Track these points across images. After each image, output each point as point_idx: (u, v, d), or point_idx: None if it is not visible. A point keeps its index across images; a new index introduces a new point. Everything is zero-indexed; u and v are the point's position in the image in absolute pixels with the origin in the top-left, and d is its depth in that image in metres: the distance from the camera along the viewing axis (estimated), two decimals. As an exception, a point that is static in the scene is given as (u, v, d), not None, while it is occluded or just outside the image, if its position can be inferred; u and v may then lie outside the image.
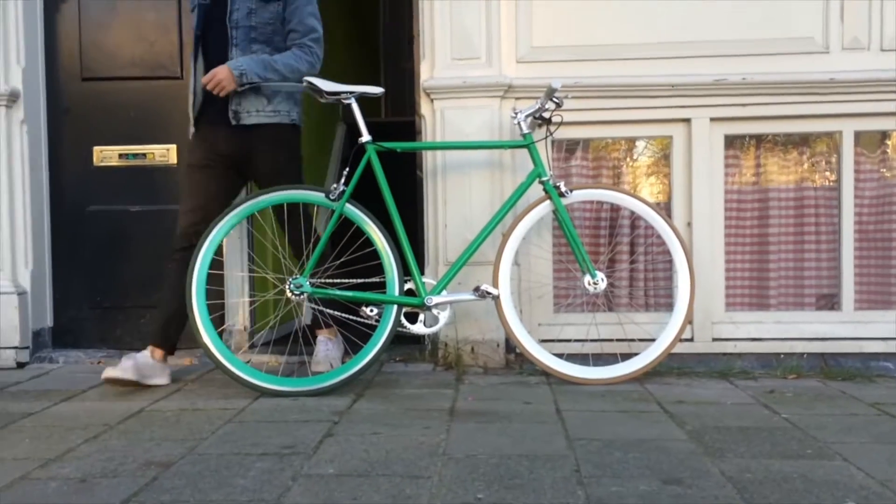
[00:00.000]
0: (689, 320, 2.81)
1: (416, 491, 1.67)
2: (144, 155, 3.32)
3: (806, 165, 3.13)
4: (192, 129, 2.85)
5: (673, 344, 2.75)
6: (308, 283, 2.65)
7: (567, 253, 3.04)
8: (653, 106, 3.02)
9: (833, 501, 1.60)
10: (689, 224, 3.03)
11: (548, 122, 2.77)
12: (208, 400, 2.54)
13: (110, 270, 3.33)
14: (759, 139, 3.13)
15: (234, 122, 2.73)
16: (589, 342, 2.95)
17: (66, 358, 3.23)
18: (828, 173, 3.13)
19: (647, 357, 2.75)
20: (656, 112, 3.04)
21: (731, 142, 3.09)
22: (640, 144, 3.21)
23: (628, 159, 3.22)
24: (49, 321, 3.35)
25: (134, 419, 2.31)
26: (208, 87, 2.66)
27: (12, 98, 3.17)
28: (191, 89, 2.83)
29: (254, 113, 2.74)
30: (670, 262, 2.93)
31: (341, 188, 2.65)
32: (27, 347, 3.20)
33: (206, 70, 2.72)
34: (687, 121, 3.04)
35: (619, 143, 3.20)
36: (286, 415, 2.34)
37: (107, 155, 3.33)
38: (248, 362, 3.01)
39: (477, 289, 2.71)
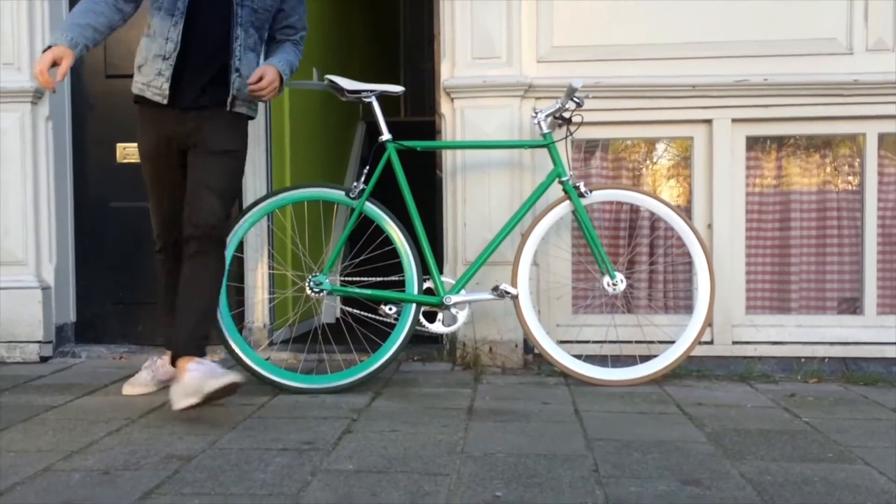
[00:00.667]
0: (708, 322, 2.80)
1: (435, 488, 1.68)
2: (167, 152, 3.35)
3: (828, 168, 3.11)
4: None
5: (692, 346, 2.74)
6: (328, 280, 2.66)
7: (586, 254, 3.04)
8: (674, 107, 3.01)
9: (855, 505, 1.59)
10: (710, 226, 3.02)
11: (568, 121, 2.76)
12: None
13: (132, 266, 3.36)
14: (780, 141, 3.11)
15: (228, 108, 2.46)
16: (607, 343, 2.95)
17: (88, 353, 3.27)
18: (850, 176, 3.10)
19: (666, 359, 2.74)
20: (677, 113, 3.02)
21: (752, 143, 3.07)
22: (661, 146, 3.20)
23: (648, 161, 3.20)
24: (72, 316, 3.38)
25: (155, 413, 2.33)
26: (260, 92, 2.40)
27: (38, 95, 3.21)
28: (167, 63, 2.40)
29: (244, 104, 2.51)
30: (690, 263, 2.92)
31: (361, 186, 2.66)
32: (50, 342, 3.24)
33: (183, 43, 2.40)
34: (708, 122, 3.03)
35: (638, 144, 3.19)
36: (305, 411, 2.35)
37: (130, 151, 3.36)
38: (267, 359, 3.04)
39: (496, 288, 2.71)
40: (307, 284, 2.66)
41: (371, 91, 2.69)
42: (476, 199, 3.03)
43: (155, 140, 2.48)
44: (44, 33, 3.23)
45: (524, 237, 2.80)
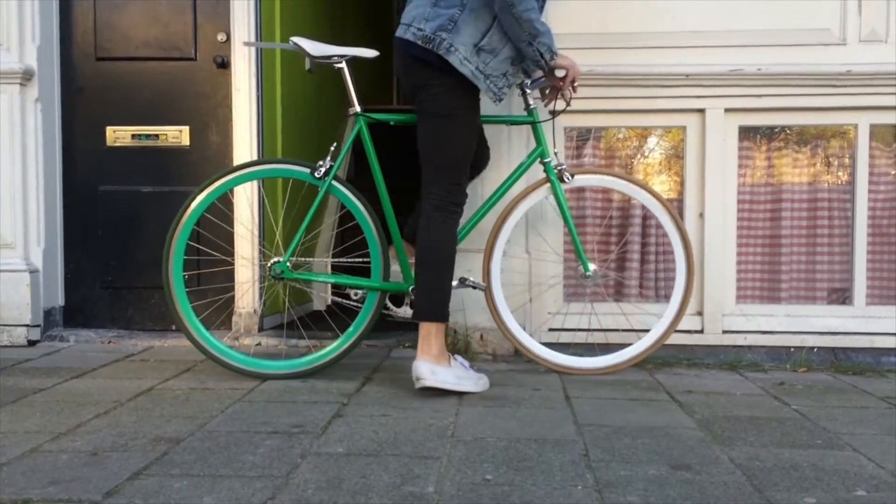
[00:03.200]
0: (685, 310, 2.72)
1: (425, 471, 1.67)
2: (157, 136, 3.33)
3: (820, 159, 3.11)
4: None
5: (667, 334, 2.71)
6: (289, 265, 2.55)
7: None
8: (667, 95, 3.00)
9: (844, 490, 1.59)
10: (701, 215, 3.02)
11: (557, 92, 2.57)
12: (218, 380, 2.54)
13: (122, 251, 3.35)
14: (773, 132, 3.11)
15: None
16: (597, 332, 2.95)
17: (76, 337, 3.24)
18: (841, 167, 3.10)
19: (638, 347, 2.70)
20: (670, 102, 3.02)
21: (745, 133, 3.08)
22: (654, 136, 3.19)
23: (640, 154, 3.19)
24: (60, 300, 3.36)
25: (144, 397, 2.32)
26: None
27: (27, 76, 3.17)
28: (514, 69, 2.46)
29: None
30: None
31: (328, 164, 2.53)
32: (38, 326, 3.21)
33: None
34: (701, 111, 3.02)
35: (631, 135, 3.18)
36: (295, 395, 2.35)
37: (120, 135, 3.34)
38: (257, 345, 3.03)
39: (463, 280, 2.60)
40: (268, 269, 2.55)
41: (341, 56, 2.50)
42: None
43: (476, 122, 2.51)
44: (34, 13, 3.20)
45: (497, 224, 2.71)
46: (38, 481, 1.60)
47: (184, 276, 2.58)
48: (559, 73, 2.50)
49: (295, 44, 2.50)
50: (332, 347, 2.59)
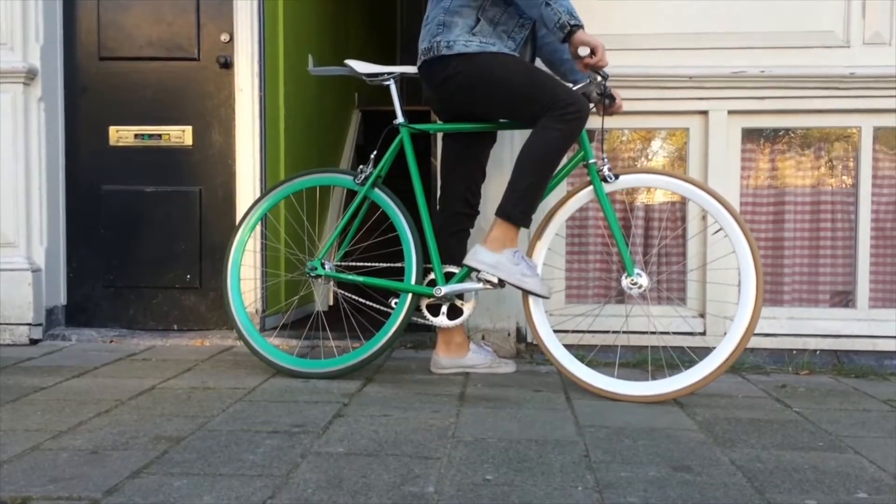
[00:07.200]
0: (752, 331, 2.35)
1: (426, 471, 1.67)
2: (160, 136, 3.34)
3: (823, 161, 3.11)
4: None
5: (732, 357, 2.34)
6: (321, 265, 2.64)
7: (580, 243, 3.02)
8: (670, 97, 3.00)
9: (845, 492, 1.59)
10: (704, 217, 3.02)
11: (603, 97, 2.49)
12: (219, 379, 2.54)
13: (124, 250, 3.35)
14: (776, 134, 3.11)
15: None
16: (597, 334, 2.94)
17: (78, 336, 3.25)
18: (844, 170, 3.10)
19: (695, 375, 2.35)
20: (673, 104, 3.02)
21: (748, 136, 3.07)
22: (657, 138, 3.19)
23: (643, 156, 3.19)
24: (63, 299, 3.36)
25: (145, 396, 2.32)
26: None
27: (30, 75, 3.18)
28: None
29: None
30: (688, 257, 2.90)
31: (368, 171, 2.61)
32: (40, 324, 3.22)
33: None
34: (704, 113, 3.02)
35: (634, 137, 3.18)
36: (296, 395, 2.35)
37: (123, 135, 3.34)
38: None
39: (477, 276, 2.52)
40: (307, 269, 2.65)
41: (389, 74, 2.62)
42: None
43: (516, 58, 2.58)
44: (37, 13, 3.20)
45: (537, 230, 2.58)
46: (39, 479, 1.60)
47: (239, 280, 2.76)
48: (582, 52, 2.32)
49: (347, 65, 2.64)
50: (363, 348, 2.58)
